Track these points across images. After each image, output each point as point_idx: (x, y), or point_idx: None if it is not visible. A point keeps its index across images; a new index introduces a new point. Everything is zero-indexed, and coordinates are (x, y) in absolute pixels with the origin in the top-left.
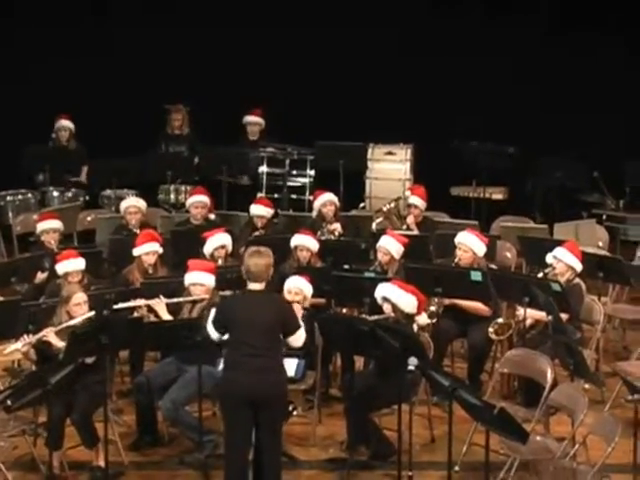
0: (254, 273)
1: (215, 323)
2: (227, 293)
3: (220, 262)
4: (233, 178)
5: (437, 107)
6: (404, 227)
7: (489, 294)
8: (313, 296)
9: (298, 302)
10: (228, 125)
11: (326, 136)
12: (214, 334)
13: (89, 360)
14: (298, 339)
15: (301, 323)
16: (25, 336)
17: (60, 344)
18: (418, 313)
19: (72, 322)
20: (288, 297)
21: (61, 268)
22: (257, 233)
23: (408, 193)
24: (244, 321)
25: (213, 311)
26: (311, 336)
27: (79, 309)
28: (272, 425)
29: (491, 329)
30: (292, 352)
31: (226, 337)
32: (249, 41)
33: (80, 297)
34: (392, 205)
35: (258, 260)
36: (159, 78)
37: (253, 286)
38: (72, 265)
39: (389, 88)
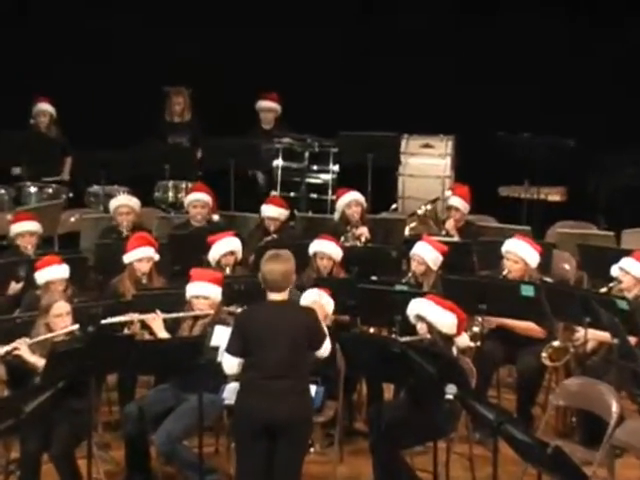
0: (270, 281)
1: (232, 346)
2: (234, 309)
3: (228, 271)
4: (242, 174)
5: (483, 92)
6: (443, 233)
7: (543, 312)
8: (335, 312)
9: None
10: (237, 112)
11: (352, 125)
12: (232, 363)
13: (71, 384)
14: (325, 350)
15: (326, 331)
16: None
17: (33, 359)
18: (458, 334)
19: (51, 335)
20: None
21: (41, 277)
22: (269, 238)
23: (448, 193)
24: (265, 337)
25: (226, 334)
26: (332, 360)
27: (60, 321)
28: (292, 457)
29: (545, 354)
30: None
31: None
32: (263, 14)
33: (62, 307)
34: (429, 207)
35: (274, 266)
36: (158, 56)
37: (273, 296)
38: (55, 273)
39: (425, 69)
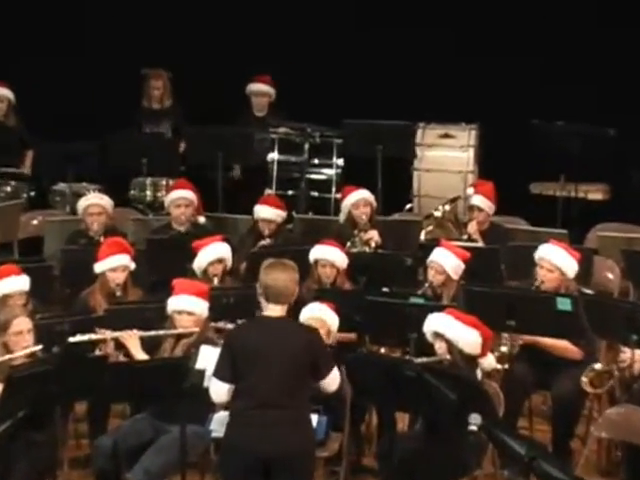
0: (273, 292)
1: (221, 370)
2: (223, 326)
3: (216, 282)
4: (232, 169)
5: (511, 74)
6: (464, 237)
7: (582, 329)
8: (340, 330)
9: None
10: (226, 97)
11: (359, 112)
12: (220, 389)
13: (32, 414)
14: (332, 382)
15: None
16: None
17: None
18: (483, 355)
19: (9, 357)
20: None
21: None
22: (264, 243)
23: (470, 191)
24: (259, 359)
25: (213, 355)
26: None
27: (21, 340)
28: None
29: (584, 378)
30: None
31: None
32: None
33: (23, 323)
34: (447, 207)
35: (280, 274)
36: (134, 34)
37: (270, 311)
38: (13, 285)
39: (444, 46)
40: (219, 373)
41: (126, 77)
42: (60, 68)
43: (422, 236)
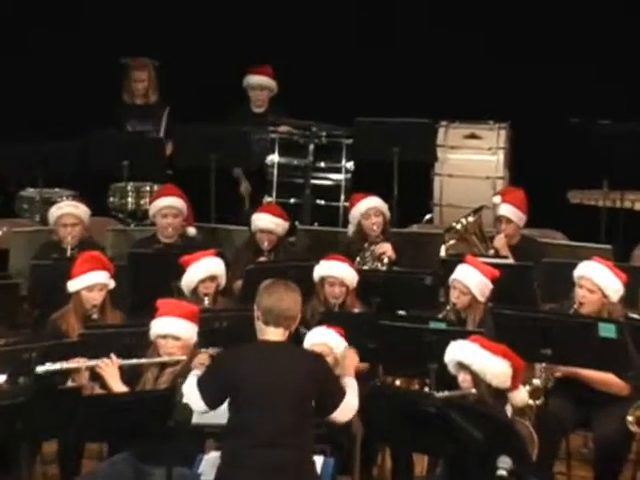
0: (277, 313)
1: (204, 388)
2: (214, 353)
3: (207, 303)
4: (226, 172)
5: (546, 66)
6: (491, 252)
7: (628, 360)
8: None
9: None
10: (220, 91)
11: (372, 109)
12: (198, 402)
13: None
14: (345, 412)
15: (351, 384)
16: None
17: None
18: (514, 388)
19: None
20: None
21: None
22: (263, 258)
23: (497, 199)
24: (257, 389)
25: (201, 371)
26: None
27: None
28: None
29: (631, 417)
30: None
31: (222, 412)
32: None
33: None
34: (472, 218)
35: (285, 295)
36: (115, 19)
37: (270, 335)
38: None
39: (470, 34)
40: (204, 390)
41: (102, 68)
42: (28, 60)
43: (443, 251)
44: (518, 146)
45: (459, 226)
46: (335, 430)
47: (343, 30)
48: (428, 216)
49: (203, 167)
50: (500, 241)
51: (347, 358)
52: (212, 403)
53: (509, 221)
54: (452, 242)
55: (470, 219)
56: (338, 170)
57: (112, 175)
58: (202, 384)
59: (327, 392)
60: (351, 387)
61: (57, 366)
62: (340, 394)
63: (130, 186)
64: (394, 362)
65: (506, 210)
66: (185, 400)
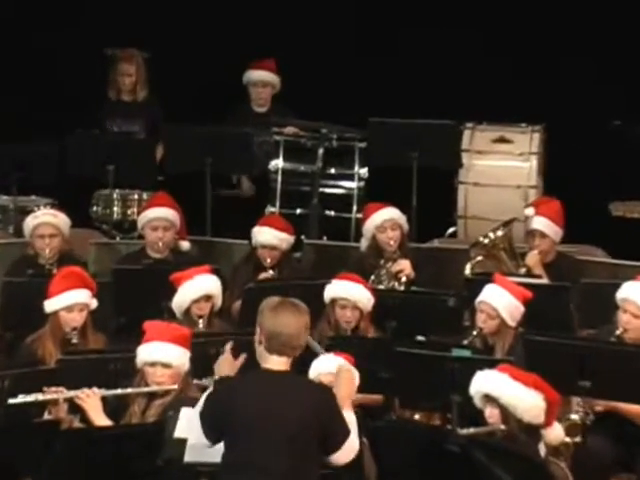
0: (282, 340)
1: (204, 424)
2: (208, 383)
3: (201, 325)
4: (224, 180)
5: (585, 64)
6: (522, 271)
7: None
8: (361, 390)
9: None
10: (216, 88)
11: (388, 110)
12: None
13: None
14: (346, 453)
15: (351, 427)
16: None
17: None
18: (548, 424)
19: None
20: None
21: None
22: (265, 275)
23: (530, 211)
24: (256, 423)
25: (196, 420)
26: (357, 461)
27: None
28: None
29: None
30: None
31: (218, 449)
32: None
33: None
34: (501, 232)
35: (291, 319)
36: (101, 9)
37: (273, 363)
38: None
39: (497, 26)
40: (203, 424)
41: (86, 60)
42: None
43: (468, 269)
44: (553, 151)
45: (486, 241)
46: (345, 470)
47: (357, 23)
48: (451, 229)
49: (198, 173)
50: (533, 258)
51: (342, 385)
52: (213, 440)
53: (543, 235)
54: (478, 259)
55: (499, 233)
56: (350, 177)
57: (95, 181)
58: (203, 417)
59: (330, 430)
60: (350, 423)
61: (32, 397)
62: (344, 432)
63: (116, 194)
64: (412, 394)
65: (540, 223)
66: (185, 435)
